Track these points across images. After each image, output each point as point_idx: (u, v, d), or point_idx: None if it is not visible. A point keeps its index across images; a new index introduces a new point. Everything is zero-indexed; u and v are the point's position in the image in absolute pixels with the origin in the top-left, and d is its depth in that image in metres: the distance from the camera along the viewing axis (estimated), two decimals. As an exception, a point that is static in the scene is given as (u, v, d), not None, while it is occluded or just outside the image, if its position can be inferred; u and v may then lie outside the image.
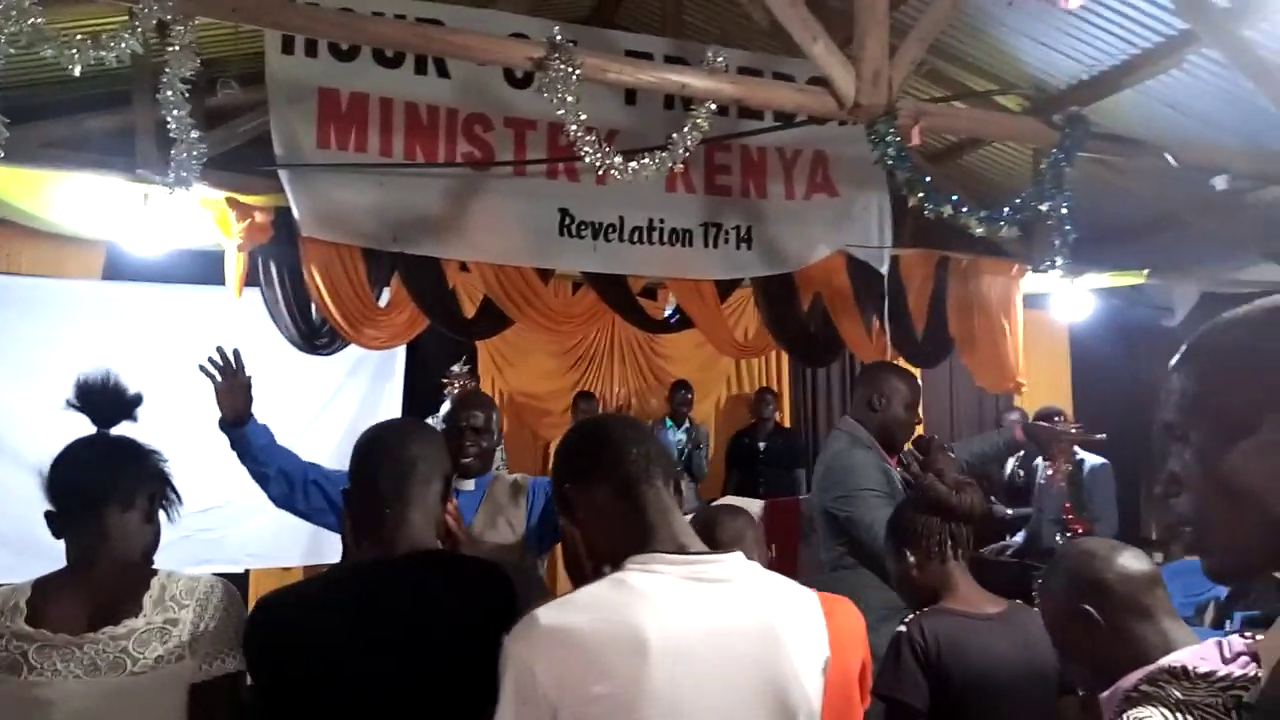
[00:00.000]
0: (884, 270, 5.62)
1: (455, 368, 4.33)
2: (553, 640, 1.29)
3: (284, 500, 2.81)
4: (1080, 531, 4.47)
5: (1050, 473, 4.55)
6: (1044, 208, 4.00)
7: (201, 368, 2.82)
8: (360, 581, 1.66)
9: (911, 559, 2.28)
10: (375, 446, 1.80)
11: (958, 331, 6.00)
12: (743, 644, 1.36)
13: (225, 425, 2.80)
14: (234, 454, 2.83)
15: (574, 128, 3.45)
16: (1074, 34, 5.20)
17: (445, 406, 2.92)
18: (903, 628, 2.15)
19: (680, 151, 3.64)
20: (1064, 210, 3.99)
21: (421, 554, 1.69)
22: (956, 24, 5.51)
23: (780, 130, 5.21)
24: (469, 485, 2.87)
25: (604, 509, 1.45)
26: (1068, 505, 4.59)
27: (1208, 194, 4.61)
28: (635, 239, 5.17)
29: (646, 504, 1.43)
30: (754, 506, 4.15)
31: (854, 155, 5.23)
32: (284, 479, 2.78)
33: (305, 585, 2.09)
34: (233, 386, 2.81)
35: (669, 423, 6.51)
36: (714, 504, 2.26)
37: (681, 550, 1.41)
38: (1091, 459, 5.41)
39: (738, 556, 1.45)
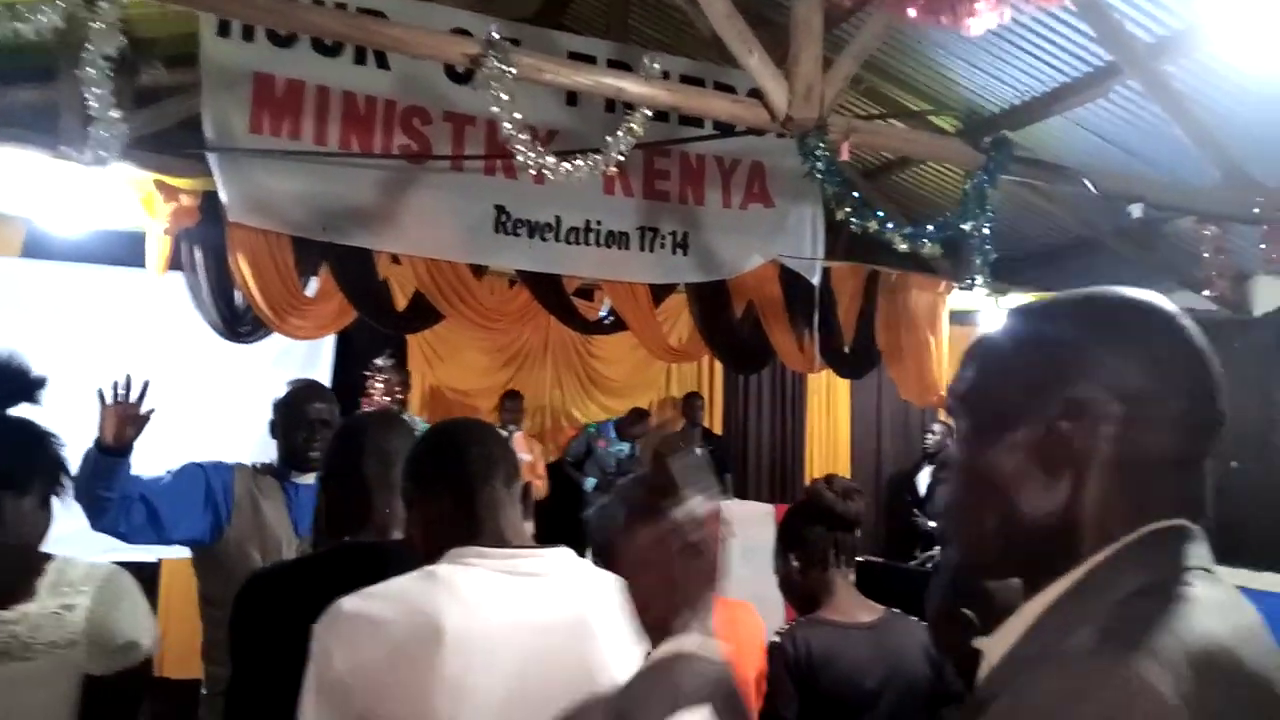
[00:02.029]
0: (815, 281, 5.71)
1: (379, 361, 4.29)
2: (351, 627, 1.32)
3: (109, 526, 2.50)
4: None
5: None
6: (966, 227, 4.10)
7: (100, 393, 2.52)
8: (360, 561, 1.66)
9: (795, 563, 2.29)
10: (360, 437, 1.81)
11: (885, 344, 6.13)
12: (549, 637, 1.38)
13: (101, 448, 2.47)
14: (82, 474, 2.41)
15: (508, 125, 3.44)
16: (1007, 60, 5.34)
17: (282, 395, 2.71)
18: (776, 638, 2.17)
19: (613, 155, 3.66)
20: (985, 230, 4.10)
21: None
22: (894, 44, 5.63)
23: (717, 139, 5.26)
24: (310, 479, 2.65)
25: (441, 509, 1.49)
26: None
27: (1127, 221, 4.77)
28: (571, 239, 5.19)
29: (479, 503, 1.47)
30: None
31: (790, 167, 5.30)
32: (126, 504, 2.49)
33: (299, 564, 2.05)
34: (128, 416, 2.50)
35: (609, 431, 6.52)
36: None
37: (503, 545, 1.44)
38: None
39: (562, 552, 1.48)
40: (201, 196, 4.60)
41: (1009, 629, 0.82)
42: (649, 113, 3.71)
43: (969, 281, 4.35)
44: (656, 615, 1.06)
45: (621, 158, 3.72)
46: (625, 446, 6.49)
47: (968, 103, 5.85)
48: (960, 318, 6.56)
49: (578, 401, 6.95)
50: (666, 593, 1.06)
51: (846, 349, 6.07)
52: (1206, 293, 4.93)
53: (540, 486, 5.84)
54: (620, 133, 3.67)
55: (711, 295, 5.66)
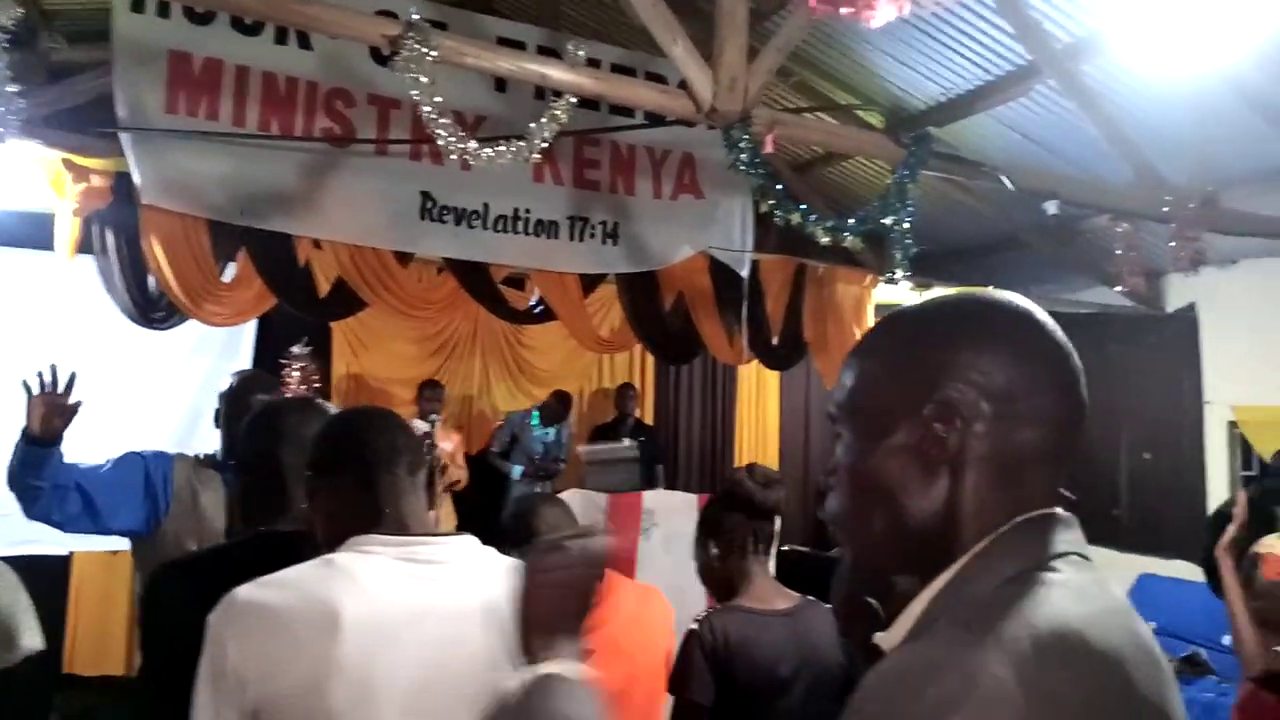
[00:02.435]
0: (744, 274, 5.74)
1: (295, 348, 4.19)
2: (246, 616, 1.30)
3: (42, 514, 2.47)
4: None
5: None
6: (888, 221, 4.16)
7: (25, 384, 2.47)
8: (275, 550, 1.61)
9: (714, 551, 2.31)
10: (277, 424, 1.77)
11: (812, 337, 6.19)
12: (451, 625, 1.37)
13: (29, 439, 2.42)
14: (12, 463, 2.41)
15: (428, 109, 3.39)
16: (933, 57, 5.43)
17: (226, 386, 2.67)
18: (694, 625, 2.19)
19: (537, 142, 3.63)
20: (906, 225, 4.15)
21: None
22: (824, 40, 5.69)
23: (645, 129, 5.25)
24: None
25: (343, 497, 1.48)
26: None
27: (1044, 218, 4.88)
28: (500, 227, 5.14)
29: (380, 490, 1.46)
30: (599, 500, 4.19)
31: (720, 159, 5.27)
32: (60, 493, 2.45)
33: (211, 553, 1.98)
34: (55, 407, 2.45)
35: (536, 418, 6.46)
36: (534, 494, 2.26)
37: (404, 532, 1.43)
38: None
39: (466, 540, 1.47)
40: (113, 177, 4.45)
41: (901, 623, 0.85)
42: (574, 100, 3.69)
43: (890, 275, 4.41)
44: (536, 638, 1.07)
45: (545, 144, 3.69)
46: (551, 431, 6.45)
47: (895, 99, 5.93)
48: (886, 311, 6.65)
49: (507, 391, 6.89)
50: (549, 619, 1.07)
51: (775, 341, 6.12)
52: (1119, 289, 5.07)
53: (461, 476, 5.78)
54: (544, 119, 3.64)
55: (642, 286, 5.66)
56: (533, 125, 3.66)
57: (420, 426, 5.64)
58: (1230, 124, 4.64)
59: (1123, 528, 7.02)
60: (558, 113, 3.62)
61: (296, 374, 4.00)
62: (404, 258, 5.10)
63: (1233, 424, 6.43)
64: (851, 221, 4.12)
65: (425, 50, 3.28)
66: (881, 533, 0.86)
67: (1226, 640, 2.65)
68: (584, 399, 7.22)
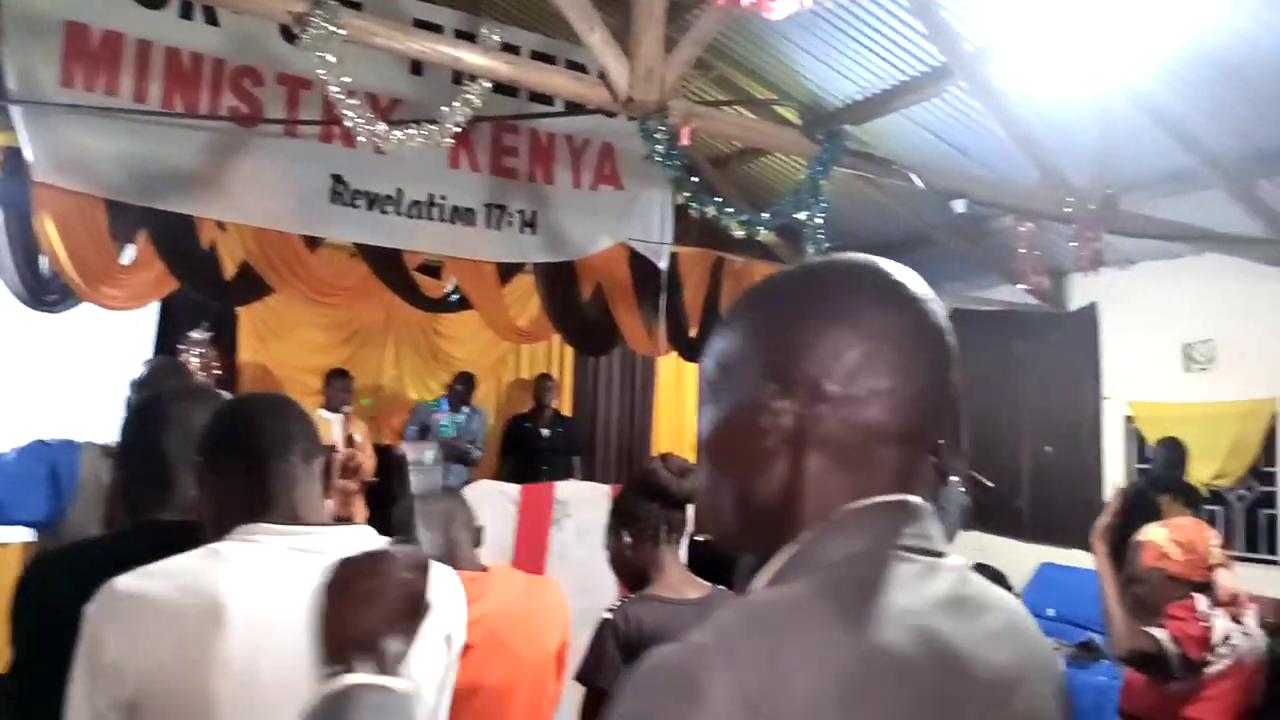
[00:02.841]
0: (663, 266, 5.76)
1: (195, 334, 4.05)
2: (125, 607, 1.25)
3: None
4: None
5: None
6: (801, 216, 4.21)
7: None
8: (158, 541, 1.54)
9: (627, 539, 2.31)
10: (163, 411, 1.70)
11: (730, 330, 6.23)
12: None
13: None
14: None
15: (335, 89, 3.31)
16: (850, 56, 5.52)
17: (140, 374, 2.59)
18: (608, 614, 2.18)
19: (449, 126, 3.57)
20: (819, 220, 4.21)
21: None
22: (743, 34, 5.73)
23: (567, 119, 5.22)
24: None
25: (232, 484, 1.43)
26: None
27: (952, 216, 5.00)
28: (414, 213, 5.05)
29: (272, 478, 1.41)
30: (510, 490, 4.15)
31: (640, 150, 5.33)
32: None
33: (91, 544, 1.89)
34: None
35: (443, 405, 6.36)
36: (430, 490, 2.21)
37: (295, 521, 1.39)
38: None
39: (361, 530, 1.44)
40: (3, 152, 4.25)
41: None
42: (488, 85, 3.64)
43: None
44: (332, 648, 1.03)
45: (458, 129, 3.64)
46: (461, 417, 6.34)
47: (813, 96, 6.01)
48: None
49: (422, 381, 6.77)
50: (347, 628, 1.04)
51: (693, 333, 6.16)
52: (1022, 287, 5.23)
53: (368, 467, 5.67)
54: (457, 103, 3.58)
55: (560, 276, 5.63)
56: (445, 109, 3.60)
57: (326, 417, 5.54)
58: (1130, 131, 4.83)
59: (1024, 518, 7.26)
60: (471, 97, 3.57)
61: (195, 360, 3.86)
62: (313, 242, 4.98)
63: (1129, 419, 6.71)
64: (765, 215, 4.16)
65: (333, 29, 3.20)
66: (729, 510, 0.83)
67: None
68: (501, 389, 7.15)
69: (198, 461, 1.47)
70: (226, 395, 1.91)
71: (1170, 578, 2.82)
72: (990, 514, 7.26)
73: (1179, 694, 2.72)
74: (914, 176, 4.40)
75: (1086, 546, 2.98)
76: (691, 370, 7.22)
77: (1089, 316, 6.86)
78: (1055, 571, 6.83)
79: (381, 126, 3.46)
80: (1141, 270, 6.50)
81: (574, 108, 5.21)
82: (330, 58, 3.22)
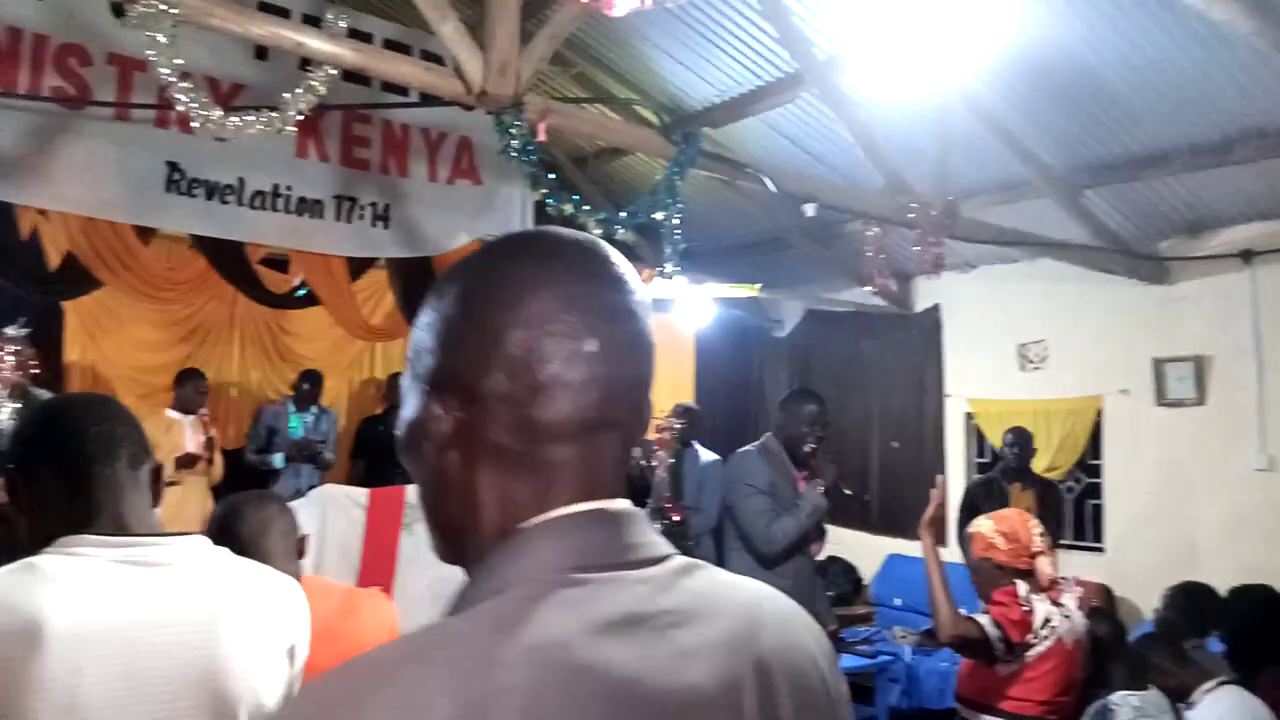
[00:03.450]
0: (522, 263, 5.68)
1: (10, 330, 3.71)
2: None
3: None
4: (675, 519, 4.81)
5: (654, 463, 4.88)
6: (659, 216, 4.23)
7: None
8: None
9: None
10: (65, 418, 1.52)
11: (591, 328, 6.22)
12: (174, 632, 1.26)
13: None
14: None
15: (166, 71, 3.10)
16: (709, 59, 5.61)
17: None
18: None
19: (292, 114, 3.41)
20: (676, 220, 4.24)
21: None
22: (604, 33, 5.73)
23: (422, 110, 5.09)
24: None
25: (50, 492, 1.33)
26: (667, 494, 4.92)
27: (804, 219, 5.14)
28: (257, 204, 4.80)
29: (96, 485, 1.32)
30: (357, 495, 4.01)
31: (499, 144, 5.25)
32: None
33: None
34: None
35: (289, 406, 6.07)
36: (236, 495, 2.06)
37: (122, 532, 1.29)
38: (706, 455, 5.84)
39: (194, 540, 1.35)
40: None
41: None
42: (333, 71, 3.49)
43: (660, 269, 4.50)
44: None
45: (301, 117, 3.48)
46: (310, 416, 6.07)
47: (674, 98, 6.08)
48: (661, 305, 6.82)
49: (270, 381, 6.46)
50: None
51: (553, 332, 6.11)
52: (869, 288, 5.43)
53: (215, 471, 5.38)
54: (299, 90, 3.42)
55: (414, 272, 5.48)
56: (287, 95, 3.43)
57: (176, 419, 5.22)
58: (969, 142, 5.09)
59: (873, 512, 7.56)
60: (315, 84, 3.42)
61: (10, 359, 3.55)
62: (146, 233, 4.68)
63: (969, 415, 7.07)
64: (623, 214, 4.16)
65: (164, 7, 2.99)
66: (432, 525, 0.75)
67: (963, 611, 2.89)
68: (352, 389, 6.90)
69: (9, 469, 1.35)
70: (44, 394, 1.76)
71: (998, 566, 2.99)
72: (841, 508, 7.51)
73: (1006, 675, 2.88)
74: (767, 180, 4.50)
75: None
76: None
77: (932, 318, 7.19)
78: (902, 562, 7.13)
79: (218, 112, 3.26)
80: (980, 274, 6.87)
81: (429, 100, 5.09)
82: (161, 38, 3.01)
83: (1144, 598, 4.97)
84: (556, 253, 0.73)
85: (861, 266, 5.64)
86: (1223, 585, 4.09)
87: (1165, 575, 4.58)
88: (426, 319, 0.75)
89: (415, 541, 3.91)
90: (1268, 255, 5.46)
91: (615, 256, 0.75)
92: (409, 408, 0.74)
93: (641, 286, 0.75)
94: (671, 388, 7.10)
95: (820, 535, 3.92)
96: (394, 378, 6.67)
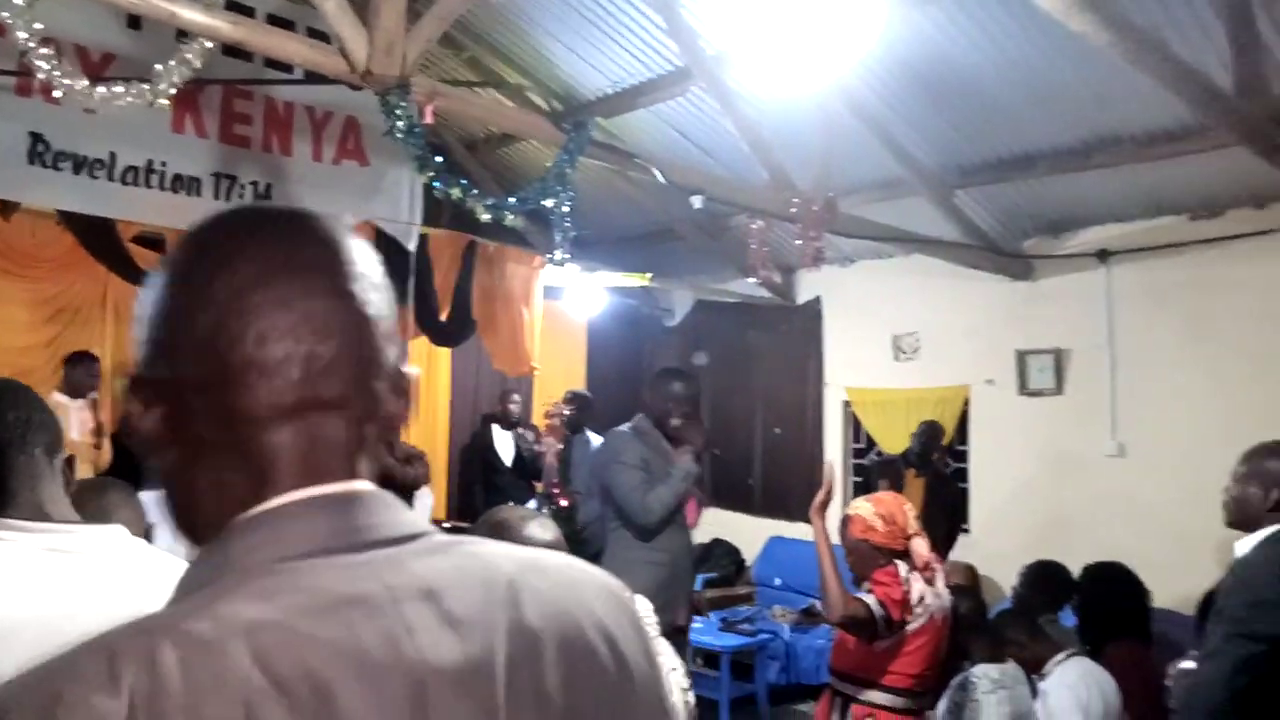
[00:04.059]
0: (411, 247, 5.62)
1: None
2: None
3: None
4: (564, 504, 4.86)
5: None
6: (549, 203, 4.25)
7: None
8: None
9: None
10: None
11: (480, 314, 6.20)
12: (94, 619, 1.24)
13: None
14: None
15: (24, 36, 2.96)
16: (601, 49, 5.64)
17: None
18: None
19: (164, 86, 3.29)
20: (566, 208, 4.27)
21: None
22: (496, 19, 5.70)
23: (307, 88, 4.97)
24: None
25: None
26: (555, 480, 4.97)
27: (691, 211, 5.24)
28: (129, 180, 4.61)
29: (13, 471, 1.29)
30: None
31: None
32: None
33: None
34: None
35: None
36: (81, 480, 1.98)
37: (42, 519, 1.27)
38: (598, 441, 5.90)
39: (114, 530, 1.33)
40: None
41: None
42: (210, 44, 3.39)
43: (550, 256, 4.52)
44: None
45: (174, 90, 3.36)
46: None
47: (567, 87, 6.09)
48: (553, 293, 6.84)
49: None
50: None
51: (443, 317, 6.06)
52: (753, 280, 5.57)
53: (104, 456, 5.14)
54: (173, 62, 3.31)
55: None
56: (159, 67, 3.32)
57: (63, 402, 4.96)
58: (849, 138, 5.26)
59: (756, 495, 7.77)
60: (189, 56, 3.31)
61: None
62: (7, 208, 4.44)
63: (846, 403, 7.33)
64: (512, 201, 4.16)
65: (22, -33, 2.86)
66: (171, 519, 0.72)
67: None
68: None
69: None
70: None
71: (875, 547, 3.12)
72: (726, 491, 7.70)
73: (884, 651, 3.02)
74: (656, 171, 4.57)
75: (809, 520, 3.20)
76: (444, 355, 7.13)
77: (814, 309, 7.42)
78: (782, 544, 7.35)
79: (83, 82, 3.13)
80: (859, 268, 7.13)
81: (315, 78, 4.97)
82: (19, 1, 2.87)
83: (1006, 576, 5.26)
84: (253, 228, 0.70)
85: (747, 258, 5.79)
86: (1078, 563, 4.35)
87: (1025, 555, 4.85)
88: (136, 310, 0.70)
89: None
90: (1122, 255, 5.84)
91: (327, 228, 0.70)
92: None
93: (365, 259, 0.71)
94: (563, 375, 7.13)
95: (700, 503, 4.04)
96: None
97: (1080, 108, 4.88)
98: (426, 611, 0.63)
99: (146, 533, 1.97)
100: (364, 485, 0.69)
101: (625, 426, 3.96)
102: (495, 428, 6.99)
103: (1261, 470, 2.43)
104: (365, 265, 0.71)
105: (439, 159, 3.94)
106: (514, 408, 6.92)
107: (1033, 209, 6.01)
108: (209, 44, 3.36)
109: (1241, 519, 2.47)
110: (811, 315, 7.39)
